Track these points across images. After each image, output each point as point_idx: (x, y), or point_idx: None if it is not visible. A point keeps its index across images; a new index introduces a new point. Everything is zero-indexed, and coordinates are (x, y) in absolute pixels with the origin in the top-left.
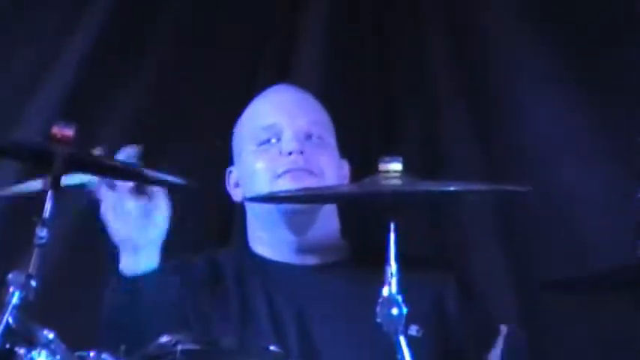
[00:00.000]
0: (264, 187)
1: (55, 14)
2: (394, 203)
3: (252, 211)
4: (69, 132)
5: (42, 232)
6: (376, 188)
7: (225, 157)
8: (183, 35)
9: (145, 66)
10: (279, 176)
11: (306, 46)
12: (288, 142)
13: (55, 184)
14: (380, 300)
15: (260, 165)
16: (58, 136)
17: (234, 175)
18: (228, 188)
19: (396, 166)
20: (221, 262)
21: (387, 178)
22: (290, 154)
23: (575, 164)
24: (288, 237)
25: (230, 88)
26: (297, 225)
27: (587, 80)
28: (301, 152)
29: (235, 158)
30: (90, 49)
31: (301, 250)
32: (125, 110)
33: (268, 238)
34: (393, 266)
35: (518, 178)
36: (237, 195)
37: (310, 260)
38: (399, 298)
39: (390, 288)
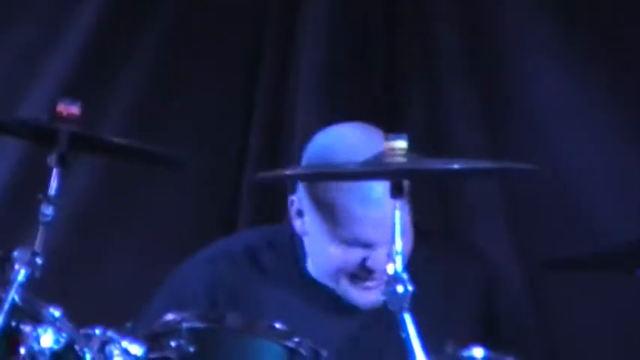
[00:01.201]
0: (328, 278)
1: None
2: (398, 182)
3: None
4: (75, 110)
5: (47, 210)
6: (381, 167)
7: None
8: (185, 10)
9: (147, 44)
10: (351, 283)
11: (311, 18)
12: (377, 264)
13: (61, 162)
14: (385, 278)
15: (336, 258)
16: (64, 113)
17: (296, 205)
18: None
19: (401, 143)
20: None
21: (391, 156)
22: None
23: (581, 140)
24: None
25: (234, 64)
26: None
27: (595, 55)
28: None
29: (304, 207)
30: (93, 26)
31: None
32: (128, 89)
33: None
34: (398, 244)
35: (525, 155)
36: (297, 224)
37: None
38: (405, 275)
39: (396, 266)
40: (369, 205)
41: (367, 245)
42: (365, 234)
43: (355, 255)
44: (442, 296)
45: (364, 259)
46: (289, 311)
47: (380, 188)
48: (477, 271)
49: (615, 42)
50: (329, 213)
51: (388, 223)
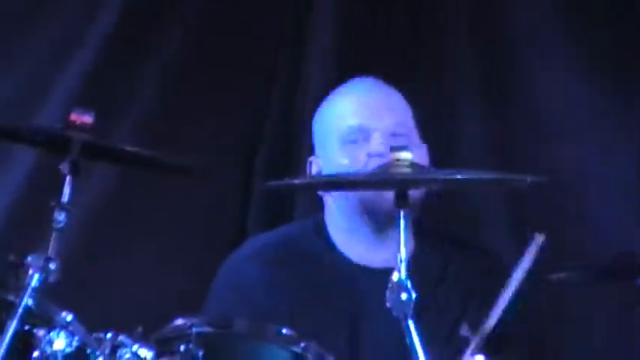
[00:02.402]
0: (349, 192)
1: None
2: (403, 191)
3: (336, 204)
4: (88, 119)
5: (60, 216)
6: (386, 177)
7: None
8: (202, 21)
9: (160, 54)
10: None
11: (321, 29)
12: (377, 145)
13: (73, 170)
14: (389, 285)
15: (346, 164)
16: (77, 122)
17: (315, 166)
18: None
19: (407, 154)
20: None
21: (397, 166)
22: (377, 156)
23: (588, 146)
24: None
25: (249, 72)
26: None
27: (601, 62)
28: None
29: (318, 150)
30: (109, 36)
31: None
32: (140, 97)
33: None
34: (402, 252)
35: (532, 161)
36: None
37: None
38: (408, 283)
39: (400, 273)
40: (355, 92)
41: (363, 134)
42: (357, 118)
43: (359, 149)
44: (446, 285)
45: (367, 151)
46: (320, 286)
47: (368, 84)
48: (481, 264)
49: (624, 47)
50: (332, 126)
51: (375, 108)
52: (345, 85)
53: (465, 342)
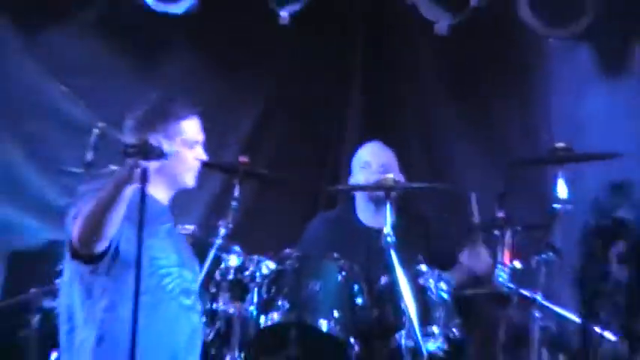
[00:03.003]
0: (367, 194)
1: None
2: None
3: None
4: (246, 159)
5: (234, 203)
6: (379, 185)
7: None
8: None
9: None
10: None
11: None
12: (375, 171)
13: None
14: (383, 234)
15: (361, 179)
16: (241, 162)
17: (351, 180)
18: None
19: (390, 175)
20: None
21: (385, 180)
22: (376, 175)
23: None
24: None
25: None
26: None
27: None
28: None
29: (352, 172)
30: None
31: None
32: (246, 121)
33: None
34: (388, 219)
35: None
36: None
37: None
38: (391, 232)
39: (387, 229)
40: (366, 148)
41: (369, 164)
42: (368, 159)
43: (367, 172)
44: (409, 235)
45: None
46: (349, 234)
47: (373, 150)
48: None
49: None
50: (357, 161)
51: (375, 154)
52: (364, 143)
53: (420, 263)
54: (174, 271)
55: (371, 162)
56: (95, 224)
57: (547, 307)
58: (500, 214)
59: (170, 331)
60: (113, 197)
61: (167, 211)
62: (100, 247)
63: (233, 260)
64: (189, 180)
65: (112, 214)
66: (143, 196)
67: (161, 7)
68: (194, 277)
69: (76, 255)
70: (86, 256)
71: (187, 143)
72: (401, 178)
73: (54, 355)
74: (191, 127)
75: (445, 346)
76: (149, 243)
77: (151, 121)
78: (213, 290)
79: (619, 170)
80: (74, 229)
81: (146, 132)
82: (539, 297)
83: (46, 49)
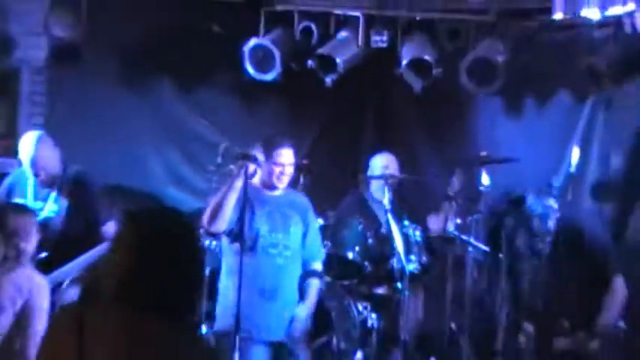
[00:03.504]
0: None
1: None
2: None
3: (372, 182)
4: (306, 162)
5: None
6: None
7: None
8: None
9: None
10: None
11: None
12: (384, 166)
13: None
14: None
15: (376, 173)
16: (304, 163)
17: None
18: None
19: (393, 172)
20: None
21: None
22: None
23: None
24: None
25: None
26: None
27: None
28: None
29: (370, 167)
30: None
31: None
32: (309, 129)
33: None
34: (386, 196)
35: None
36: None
37: None
38: (388, 205)
39: (386, 202)
40: (380, 158)
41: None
42: (381, 163)
43: (379, 169)
44: (399, 206)
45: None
46: (366, 208)
47: (382, 156)
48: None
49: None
50: (373, 163)
51: (385, 160)
52: (377, 153)
53: (405, 220)
54: (265, 233)
55: (381, 164)
56: (216, 208)
57: (475, 245)
58: (451, 192)
59: (256, 271)
60: (229, 187)
61: (268, 198)
62: (222, 226)
63: None
64: (275, 180)
65: (227, 200)
66: (245, 186)
67: (258, 76)
68: (284, 236)
69: (207, 232)
70: (212, 234)
71: (276, 161)
72: (397, 173)
73: None
74: (283, 152)
75: (418, 268)
76: (253, 216)
77: (262, 145)
78: None
79: (516, 168)
80: (204, 214)
81: (257, 151)
82: (471, 239)
83: (193, 98)
